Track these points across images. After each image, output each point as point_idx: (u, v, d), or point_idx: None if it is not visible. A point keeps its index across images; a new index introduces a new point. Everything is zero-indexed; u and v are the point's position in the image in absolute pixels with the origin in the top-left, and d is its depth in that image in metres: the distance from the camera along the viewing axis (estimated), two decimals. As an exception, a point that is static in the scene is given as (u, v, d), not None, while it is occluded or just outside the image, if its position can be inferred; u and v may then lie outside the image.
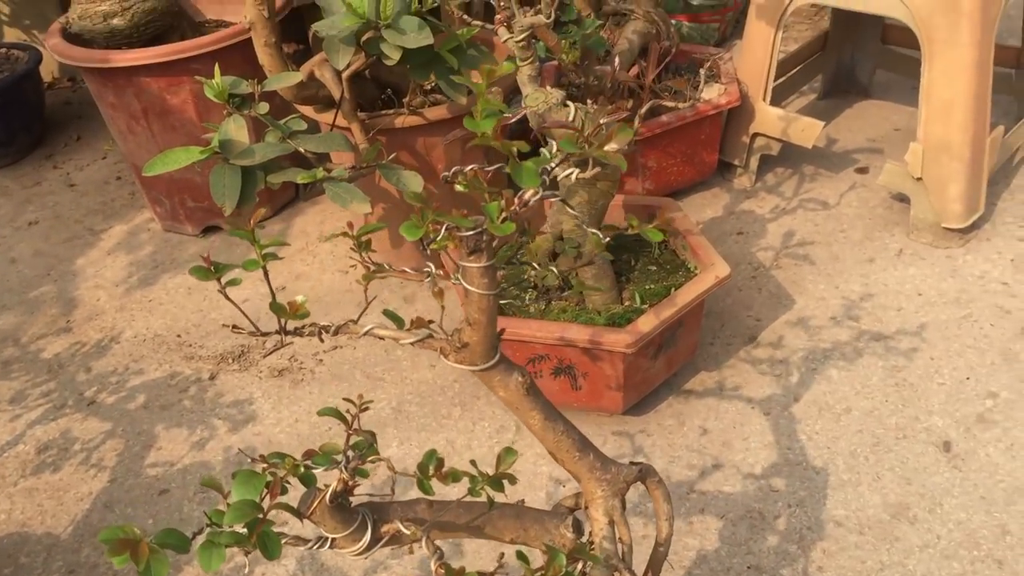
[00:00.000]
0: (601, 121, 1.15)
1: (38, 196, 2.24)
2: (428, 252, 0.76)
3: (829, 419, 1.39)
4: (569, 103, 1.21)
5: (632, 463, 0.88)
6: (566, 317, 1.38)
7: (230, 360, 1.65)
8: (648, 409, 1.44)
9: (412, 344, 0.81)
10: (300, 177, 1.30)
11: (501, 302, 1.43)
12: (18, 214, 2.17)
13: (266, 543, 0.63)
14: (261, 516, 0.64)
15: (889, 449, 1.33)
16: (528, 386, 0.81)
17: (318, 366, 1.61)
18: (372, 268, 0.84)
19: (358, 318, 0.82)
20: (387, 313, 0.84)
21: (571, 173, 1.17)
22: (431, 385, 1.55)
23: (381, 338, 0.81)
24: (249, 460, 1.38)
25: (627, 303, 1.39)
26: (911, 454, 1.32)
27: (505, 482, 0.79)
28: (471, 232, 0.72)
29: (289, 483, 0.70)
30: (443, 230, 0.72)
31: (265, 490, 0.67)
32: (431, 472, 0.77)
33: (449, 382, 1.55)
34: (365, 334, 0.81)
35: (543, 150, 1.24)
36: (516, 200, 0.72)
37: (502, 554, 0.84)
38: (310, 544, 0.74)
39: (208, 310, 1.78)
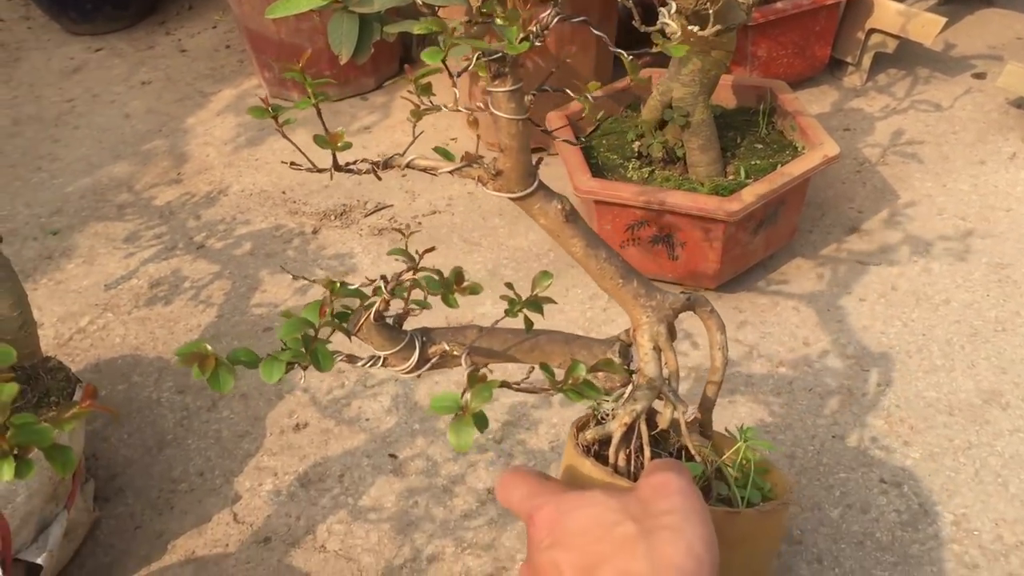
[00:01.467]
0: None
1: (151, 59, 2.31)
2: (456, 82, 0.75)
3: (927, 308, 1.38)
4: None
5: (682, 292, 0.87)
6: (669, 185, 1.38)
7: (332, 217, 1.70)
8: (742, 287, 1.45)
9: (451, 173, 0.81)
10: (416, 27, 1.32)
11: (604, 170, 1.45)
12: (132, 74, 2.24)
13: (319, 357, 0.67)
14: (314, 333, 0.68)
15: (986, 340, 1.32)
16: (568, 212, 0.80)
17: (417, 228, 1.65)
18: (422, 107, 0.83)
19: (404, 151, 0.82)
20: (437, 149, 0.85)
21: (677, 33, 1.16)
22: (527, 252, 1.57)
23: (423, 170, 0.82)
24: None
25: (731, 176, 1.39)
26: (1009, 346, 1.31)
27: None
28: (493, 57, 0.71)
29: (348, 309, 0.74)
30: (474, 57, 0.71)
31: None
32: (454, 287, 0.79)
33: (544, 250, 1.57)
34: (407, 166, 0.82)
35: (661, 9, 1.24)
36: (534, 21, 0.71)
37: (531, 368, 0.85)
38: (362, 362, 0.76)
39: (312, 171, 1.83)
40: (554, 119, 1.50)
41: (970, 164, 1.66)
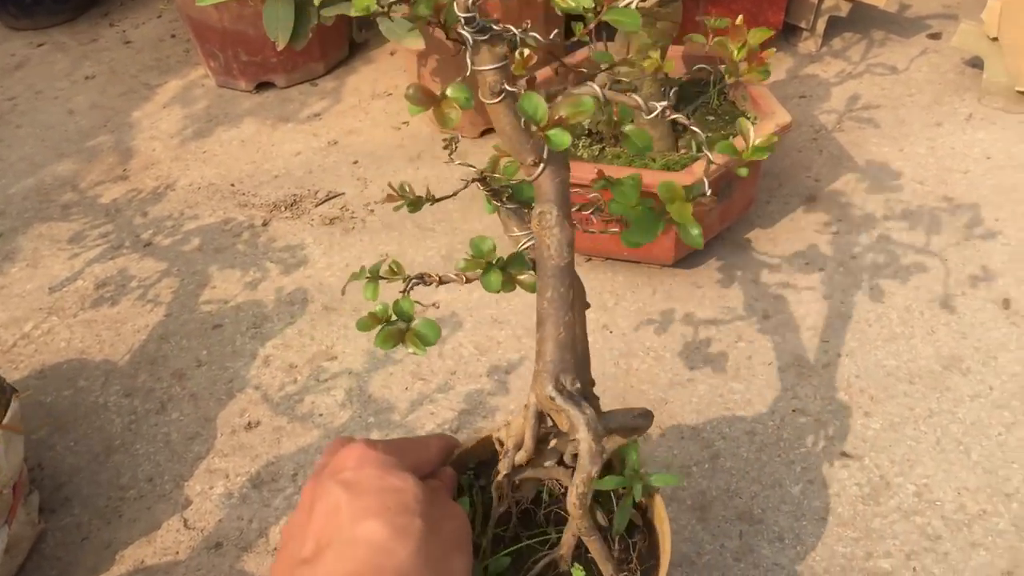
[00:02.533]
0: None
1: (94, 52, 2.25)
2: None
3: (886, 275, 1.36)
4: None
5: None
6: (620, 163, 1.35)
7: (283, 208, 1.66)
8: (700, 262, 1.42)
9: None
10: (353, 9, 1.28)
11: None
12: (75, 68, 2.18)
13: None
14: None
15: (945, 305, 1.30)
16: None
17: (369, 216, 1.62)
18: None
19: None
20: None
21: (631, 2, 1.13)
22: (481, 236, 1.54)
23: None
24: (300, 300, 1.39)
25: (683, 151, 1.36)
26: (968, 310, 1.29)
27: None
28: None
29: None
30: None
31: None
32: None
33: (499, 234, 1.54)
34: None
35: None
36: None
37: None
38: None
39: (261, 161, 1.79)
40: (502, 98, 1.47)
41: (927, 127, 1.64)
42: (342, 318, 1.41)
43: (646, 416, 0.76)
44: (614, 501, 0.79)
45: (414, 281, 0.75)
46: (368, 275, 0.76)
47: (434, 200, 0.81)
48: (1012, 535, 1.02)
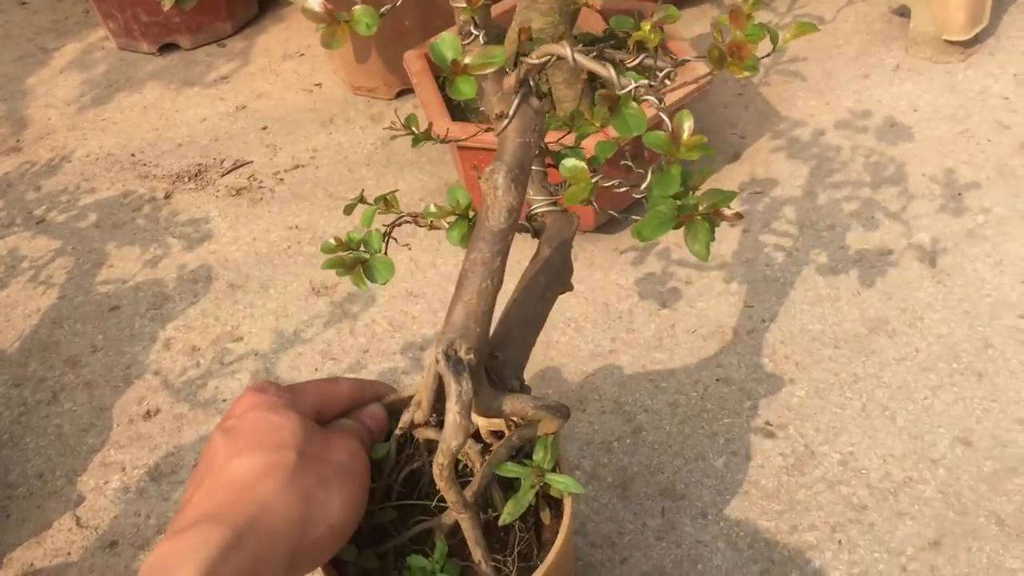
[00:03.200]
0: None
1: (-14, 15, 2.11)
2: None
3: (811, 235, 1.32)
4: None
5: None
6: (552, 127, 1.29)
7: (186, 179, 1.56)
8: (621, 227, 1.37)
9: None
10: (243, -36, 1.20)
11: (467, 112, 1.34)
12: (-35, 33, 2.05)
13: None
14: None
15: (871, 265, 1.27)
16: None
17: (278, 185, 1.53)
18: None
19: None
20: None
21: (536, -48, 1.07)
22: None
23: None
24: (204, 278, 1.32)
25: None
26: (895, 269, 1.26)
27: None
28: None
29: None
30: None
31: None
32: None
33: (415, 201, 1.47)
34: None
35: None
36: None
37: None
38: None
39: (164, 129, 1.69)
40: (412, 59, 1.39)
41: (854, 79, 1.60)
42: (248, 296, 1.33)
43: (558, 411, 0.71)
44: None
45: (405, 218, 0.80)
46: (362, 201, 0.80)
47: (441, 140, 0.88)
48: (939, 503, 1.00)
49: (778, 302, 1.23)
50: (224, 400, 1.19)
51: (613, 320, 1.23)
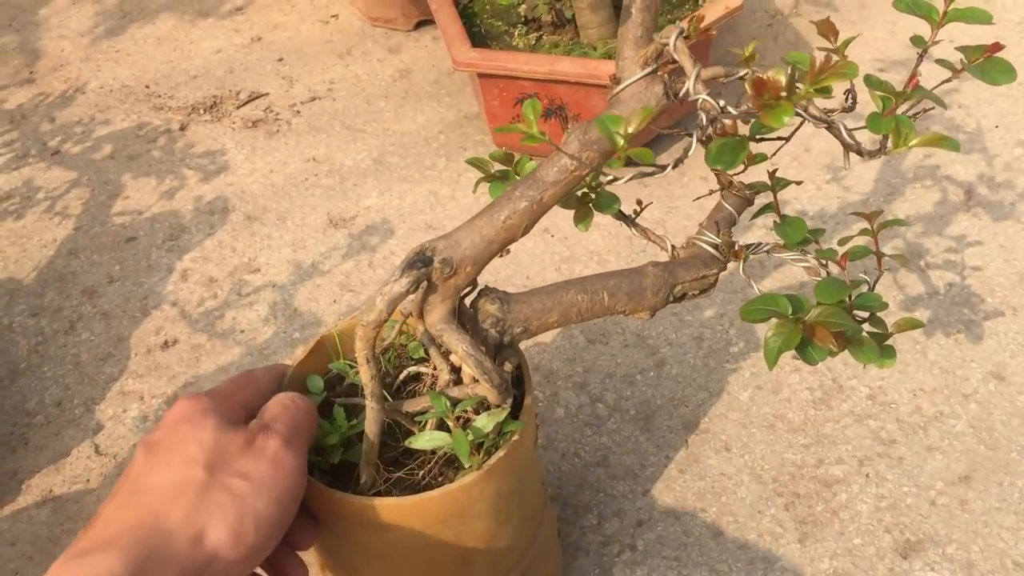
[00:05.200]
0: None
1: (-2, -54, 2.07)
2: None
3: (838, 168, 1.28)
4: None
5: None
6: (558, 52, 1.25)
7: (201, 111, 1.54)
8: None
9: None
10: None
11: (488, 39, 1.31)
12: (-23, -35, 2.01)
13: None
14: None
15: (905, 197, 1.23)
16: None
17: (295, 117, 1.50)
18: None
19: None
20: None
21: None
22: (415, 136, 1.44)
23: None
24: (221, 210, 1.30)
25: (626, 37, 1.26)
26: (928, 203, 1.22)
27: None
28: None
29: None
30: None
31: None
32: None
33: (434, 133, 1.44)
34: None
35: None
36: None
37: None
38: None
39: (178, 61, 1.66)
40: (432, -16, 1.35)
41: (888, 10, 1.54)
42: (265, 228, 1.31)
43: (501, 384, 0.64)
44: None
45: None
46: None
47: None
48: (970, 437, 0.97)
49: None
50: (242, 331, 1.17)
51: (637, 252, 1.20)
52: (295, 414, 0.62)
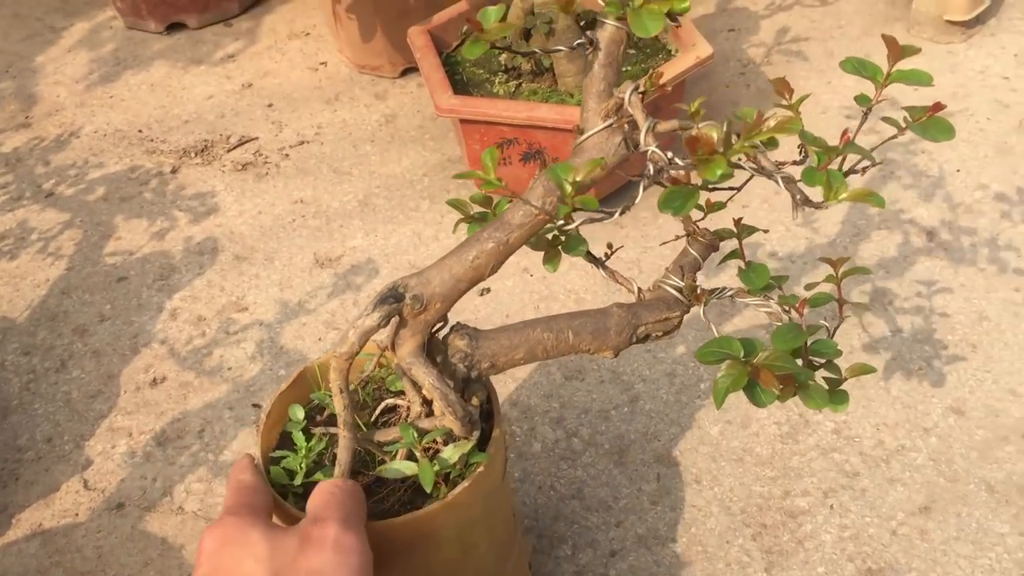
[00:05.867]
0: None
1: (-4, -6, 2.13)
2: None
3: (809, 211, 1.33)
4: None
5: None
6: (537, 99, 1.30)
7: (193, 154, 1.58)
8: (624, 200, 1.38)
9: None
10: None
11: (470, 86, 1.36)
12: (-25, 12, 2.07)
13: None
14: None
15: (870, 239, 1.28)
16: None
17: (283, 161, 1.55)
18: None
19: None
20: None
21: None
22: (400, 179, 1.49)
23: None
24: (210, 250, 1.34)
25: (602, 85, 1.31)
26: (893, 244, 1.27)
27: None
28: None
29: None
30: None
31: None
32: None
33: (419, 176, 1.49)
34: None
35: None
36: None
37: None
38: None
39: (171, 106, 1.71)
40: (416, 35, 1.41)
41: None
42: (253, 268, 1.35)
43: (466, 417, 0.69)
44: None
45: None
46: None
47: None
48: (930, 470, 1.01)
49: (777, 271, 1.24)
50: (229, 368, 1.21)
51: (613, 293, 1.24)
52: (341, 498, 0.61)
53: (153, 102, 1.72)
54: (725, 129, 0.56)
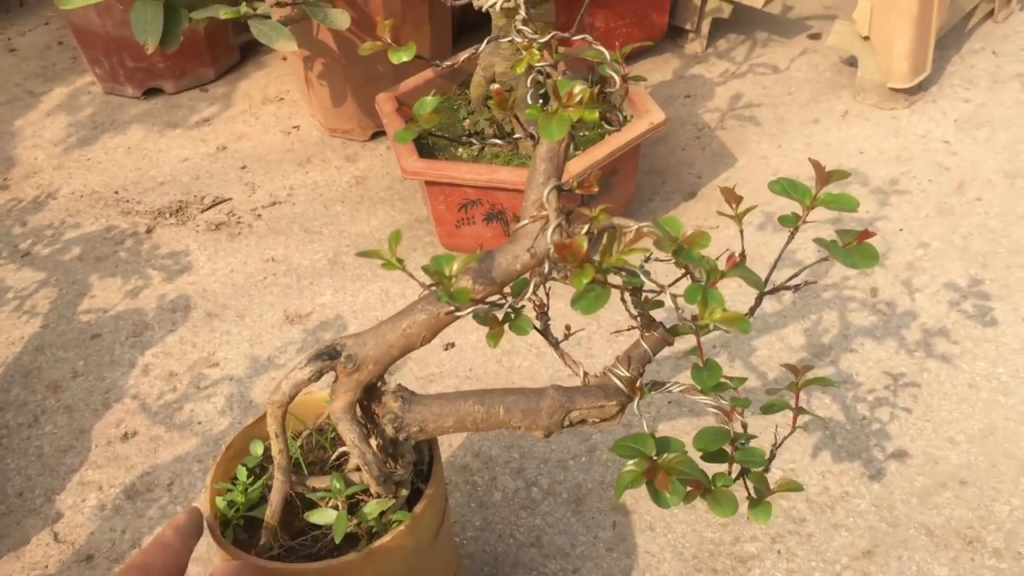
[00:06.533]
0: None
1: (-23, 60, 2.18)
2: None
3: (760, 269, 1.39)
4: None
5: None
6: (499, 162, 1.36)
7: (167, 215, 1.63)
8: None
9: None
10: (223, 12, 1.27)
11: (435, 150, 1.42)
12: (-44, 77, 2.12)
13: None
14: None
15: (817, 295, 1.34)
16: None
17: (256, 221, 1.60)
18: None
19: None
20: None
21: (495, 3, 1.15)
22: (369, 238, 1.54)
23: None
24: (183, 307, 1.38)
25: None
26: (839, 300, 1.33)
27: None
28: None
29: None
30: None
31: None
32: None
33: (387, 235, 1.53)
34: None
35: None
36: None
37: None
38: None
39: (147, 168, 1.76)
40: (384, 101, 1.47)
41: (805, 124, 1.69)
42: (225, 324, 1.39)
43: (385, 482, 0.74)
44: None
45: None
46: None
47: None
48: (873, 515, 1.06)
49: (730, 332, 1.30)
50: (199, 423, 1.24)
51: (572, 346, 1.29)
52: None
53: (130, 164, 1.77)
54: (605, 241, 0.60)
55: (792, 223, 0.69)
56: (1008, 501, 1.06)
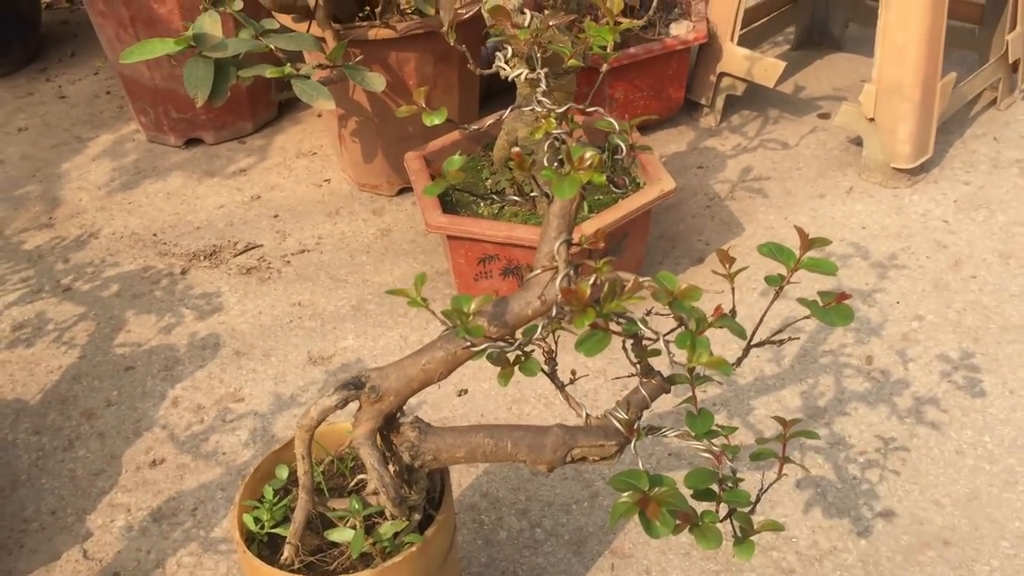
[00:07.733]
0: (551, 23, 1.22)
1: (30, 105, 2.31)
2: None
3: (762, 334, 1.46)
4: (526, 11, 1.28)
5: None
6: (517, 220, 1.45)
7: (202, 258, 1.72)
8: (593, 317, 1.51)
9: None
10: (269, 71, 1.37)
11: (458, 207, 1.51)
12: (9, 121, 2.24)
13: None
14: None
15: (815, 360, 1.41)
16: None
17: (285, 267, 1.69)
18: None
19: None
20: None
21: (520, 74, 1.25)
22: (391, 287, 1.62)
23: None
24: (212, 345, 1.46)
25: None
26: (835, 366, 1.40)
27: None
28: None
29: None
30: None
31: None
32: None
33: (408, 285, 1.62)
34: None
35: (498, 53, 1.31)
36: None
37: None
38: None
39: (184, 213, 1.85)
40: (412, 159, 1.56)
41: (811, 198, 1.77)
42: (252, 362, 1.47)
43: (399, 504, 0.81)
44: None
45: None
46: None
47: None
48: (859, 570, 1.11)
49: (728, 387, 1.37)
50: (224, 453, 1.31)
51: (580, 397, 1.36)
52: None
53: (168, 209, 1.87)
54: (607, 289, 0.68)
55: (777, 282, 0.76)
56: (988, 562, 1.11)
